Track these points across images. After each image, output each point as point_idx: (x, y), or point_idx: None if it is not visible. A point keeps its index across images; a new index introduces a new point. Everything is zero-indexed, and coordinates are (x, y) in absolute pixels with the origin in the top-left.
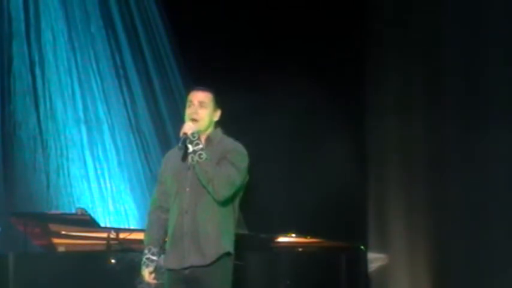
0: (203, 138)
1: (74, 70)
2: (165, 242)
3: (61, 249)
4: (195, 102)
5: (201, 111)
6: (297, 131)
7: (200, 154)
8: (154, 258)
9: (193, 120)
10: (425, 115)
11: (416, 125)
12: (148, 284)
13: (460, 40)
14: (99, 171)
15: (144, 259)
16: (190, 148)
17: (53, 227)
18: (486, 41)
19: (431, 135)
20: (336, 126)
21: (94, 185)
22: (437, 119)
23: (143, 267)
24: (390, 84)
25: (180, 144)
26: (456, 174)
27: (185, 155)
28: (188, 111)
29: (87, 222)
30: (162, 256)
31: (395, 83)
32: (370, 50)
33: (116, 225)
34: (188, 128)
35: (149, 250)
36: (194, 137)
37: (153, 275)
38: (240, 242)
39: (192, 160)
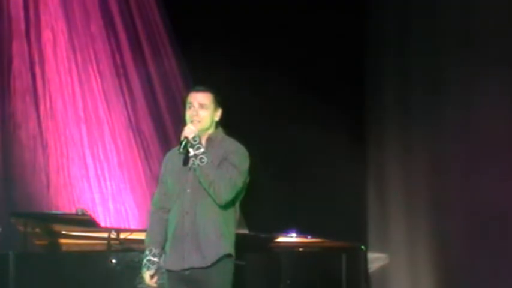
0: (204, 138)
1: (74, 69)
2: (165, 241)
3: (61, 249)
4: (195, 104)
5: (202, 113)
6: (297, 131)
7: (201, 158)
8: (155, 259)
9: (195, 122)
10: (426, 115)
11: (416, 124)
12: (149, 285)
13: (459, 39)
14: (99, 171)
15: (145, 261)
16: (192, 152)
17: (53, 227)
18: (485, 45)
19: (431, 135)
20: (336, 125)
21: (94, 185)
22: (437, 119)
23: (144, 270)
24: (391, 84)
25: (181, 149)
26: (456, 174)
27: (186, 158)
28: (189, 113)
29: (87, 222)
30: (163, 257)
31: (396, 82)
32: (370, 53)
33: (116, 225)
34: (189, 131)
35: (150, 251)
36: (195, 140)
37: (154, 279)
38: (240, 242)
39: (194, 164)
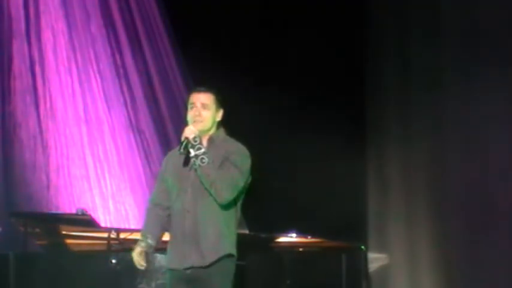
0: (205, 138)
1: (74, 70)
2: (161, 237)
3: (61, 249)
4: (198, 104)
5: (204, 113)
6: (296, 131)
7: (202, 158)
8: (149, 241)
9: (197, 122)
10: (426, 114)
11: (416, 124)
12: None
13: (459, 39)
14: (99, 171)
15: (138, 241)
16: (192, 152)
17: (53, 227)
18: (485, 45)
19: (431, 134)
20: (336, 126)
21: (94, 185)
22: (437, 118)
23: (136, 247)
24: (391, 84)
25: (181, 150)
26: (456, 173)
27: (187, 159)
28: (190, 114)
29: (87, 222)
30: (163, 256)
31: (396, 82)
32: (370, 52)
33: (116, 225)
34: (190, 132)
35: (145, 237)
36: (196, 141)
37: (142, 256)
38: (240, 242)
39: (194, 164)
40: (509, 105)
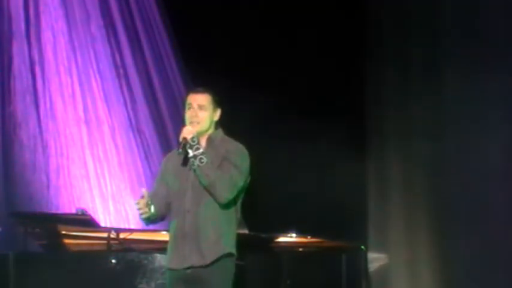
0: (204, 138)
1: (74, 70)
2: (151, 204)
3: (61, 249)
4: (195, 105)
5: (201, 114)
6: (296, 131)
7: (201, 158)
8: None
9: (194, 123)
10: (426, 113)
11: (416, 124)
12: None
13: (459, 39)
14: (99, 171)
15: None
16: (191, 153)
17: (53, 227)
18: (487, 44)
19: (431, 134)
20: (336, 125)
21: (94, 185)
22: (437, 118)
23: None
24: (391, 83)
25: (180, 150)
26: (456, 173)
27: (186, 159)
28: (188, 115)
29: (87, 222)
30: (164, 256)
31: (396, 81)
32: (370, 52)
33: (115, 225)
34: (187, 132)
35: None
36: (194, 141)
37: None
38: (240, 242)
39: (193, 164)
40: (509, 105)
